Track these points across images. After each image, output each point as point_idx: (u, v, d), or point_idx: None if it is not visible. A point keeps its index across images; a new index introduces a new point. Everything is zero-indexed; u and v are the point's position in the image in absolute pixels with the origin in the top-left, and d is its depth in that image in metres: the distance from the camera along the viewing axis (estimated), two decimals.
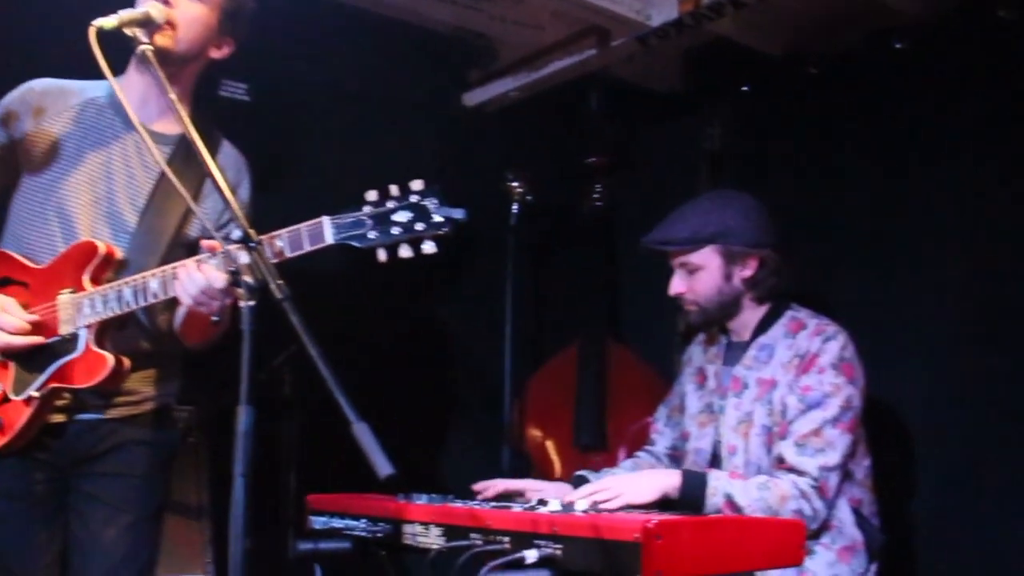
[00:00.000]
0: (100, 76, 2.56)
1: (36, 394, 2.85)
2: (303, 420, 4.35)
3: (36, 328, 2.88)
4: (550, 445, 4.87)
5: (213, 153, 3.00)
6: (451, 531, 2.70)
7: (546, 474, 4.76)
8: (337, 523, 3.13)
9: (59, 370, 2.86)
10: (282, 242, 2.58)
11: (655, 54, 4.93)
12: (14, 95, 3.05)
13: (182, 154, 3.00)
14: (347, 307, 4.47)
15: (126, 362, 2.88)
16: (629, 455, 4.01)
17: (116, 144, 3.02)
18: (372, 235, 2.49)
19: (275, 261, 2.52)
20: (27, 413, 2.86)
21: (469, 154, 5.21)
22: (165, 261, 2.86)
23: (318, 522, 3.21)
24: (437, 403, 5.14)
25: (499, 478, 3.64)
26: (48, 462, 2.98)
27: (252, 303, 2.19)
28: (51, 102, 3.03)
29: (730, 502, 3.14)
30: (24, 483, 2.96)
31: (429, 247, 2.45)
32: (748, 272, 3.51)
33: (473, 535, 2.61)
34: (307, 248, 2.57)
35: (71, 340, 2.85)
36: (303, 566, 3.15)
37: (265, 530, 3.68)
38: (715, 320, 3.61)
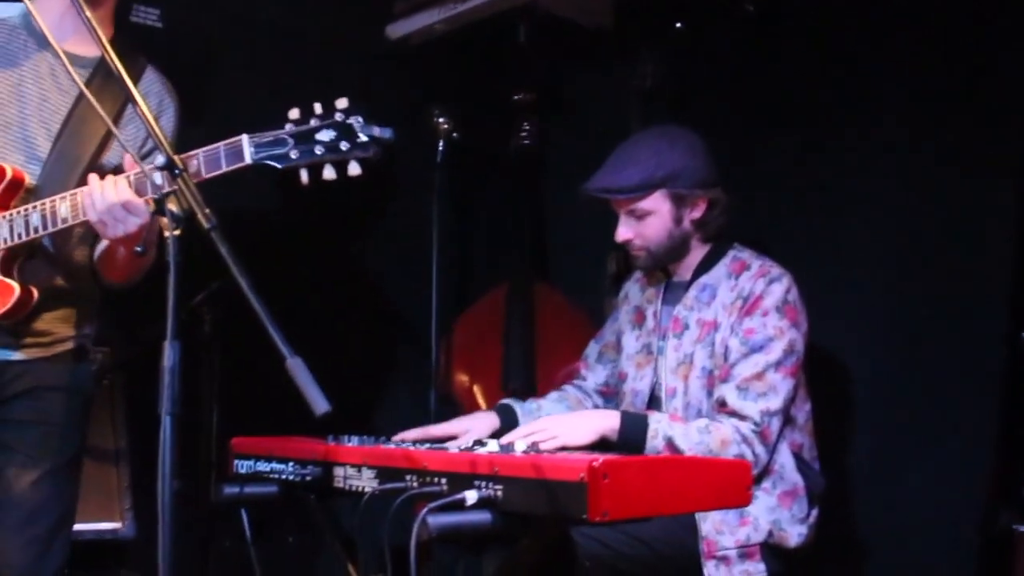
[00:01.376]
0: None
1: None
2: (224, 361, 4.20)
3: None
4: (477, 389, 4.78)
5: (135, 78, 2.87)
6: (385, 473, 2.60)
7: None
8: (263, 467, 3.02)
9: None
10: (198, 162, 2.45)
11: None
12: None
13: (101, 77, 2.84)
14: (264, 244, 4.31)
15: (35, 292, 2.73)
16: None
17: (28, 65, 2.85)
18: (294, 155, 2.40)
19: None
20: None
21: (393, 89, 5.06)
22: (76, 187, 2.72)
23: (243, 466, 3.10)
24: (362, 344, 5.02)
25: (427, 422, 3.55)
26: None
27: (178, 233, 2.05)
28: None
29: (670, 445, 3.08)
30: None
31: (355, 169, 2.38)
32: (697, 213, 3.42)
33: (408, 477, 2.52)
34: (225, 168, 2.45)
35: None
36: (228, 511, 3.04)
37: (187, 475, 3.56)
38: (663, 263, 3.53)
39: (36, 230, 2.68)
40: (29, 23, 2.86)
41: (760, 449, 3.15)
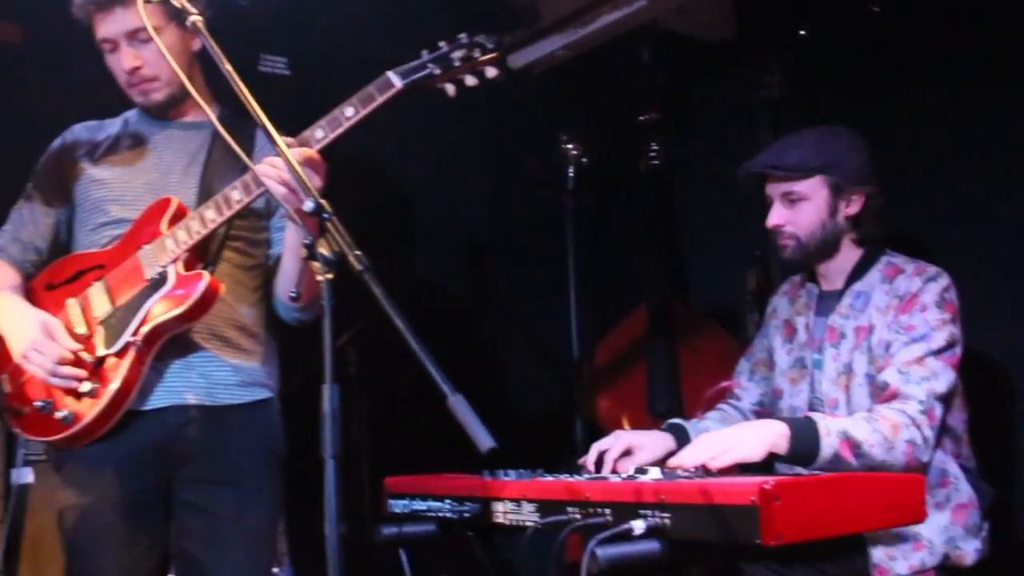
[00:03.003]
0: None
1: (132, 339, 2.75)
2: (369, 401, 4.23)
3: (120, 284, 2.83)
4: (624, 414, 4.72)
5: (254, 134, 3.02)
6: (546, 506, 2.55)
7: None
8: (419, 505, 2.99)
9: (152, 306, 2.78)
10: (351, 107, 2.72)
11: (707, 2, 4.75)
12: (55, 145, 3.11)
13: (221, 138, 2.95)
14: (404, 283, 4.35)
15: (220, 285, 2.79)
16: None
17: (158, 147, 3.04)
18: (436, 71, 2.70)
19: (343, 130, 2.74)
20: (123, 366, 2.76)
21: (519, 118, 5.06)
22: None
23: (398, 505, 3.08)
24: (503, 376, 5.00)
25: (573, 452, 3.50)
26: (149, 456, 2.88)
27: (330, 276, 2.05)
28: (89, 139, 3.09)
29: (847, 439, 2.89)
30: (125, 486, 2.86)
31: (491, 72, 2.69)
32: (853, 209, 3.30)
33: (570, 509, 2.47)
34: (379, 99, 2.71)
35: (159, 279, 2.79)
36: (387, 551, 3.03)
37: (341, 516, 3.57)
38: (811, 258, 3.38)
39: (213, 220, 2.79)
40: (141, 115, 3.10)
41: (928, 432, 2.98)
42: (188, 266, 2.82)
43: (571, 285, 4.55)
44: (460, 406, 1.95)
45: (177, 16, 2.86)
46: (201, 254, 2.85)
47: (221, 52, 2.44)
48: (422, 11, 4.67)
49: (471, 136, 5.01)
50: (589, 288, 5.00)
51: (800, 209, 3.29)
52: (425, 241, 4.88)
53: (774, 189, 3.34)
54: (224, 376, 2.97)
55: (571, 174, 4.64)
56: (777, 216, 3.33)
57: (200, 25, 2.50)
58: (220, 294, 2.82)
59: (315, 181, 2.66)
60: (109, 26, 2.90)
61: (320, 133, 2.71)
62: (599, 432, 4.62)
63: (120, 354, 2.78)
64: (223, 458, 2.94)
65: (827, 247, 3.33)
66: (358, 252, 2.07)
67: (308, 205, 2.12)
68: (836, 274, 3.38)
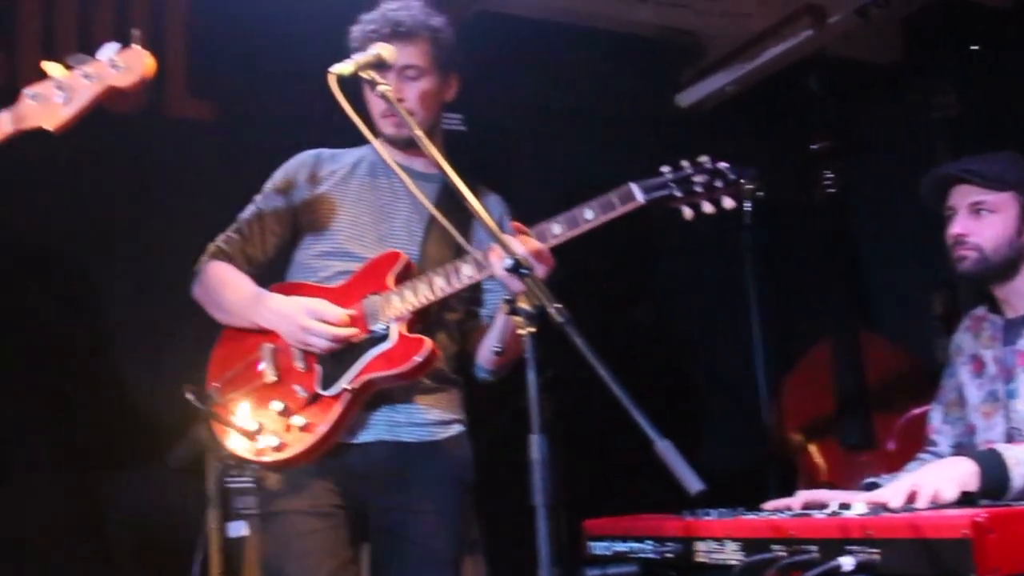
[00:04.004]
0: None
1: (348, 387, 2.87)
2: (563, 445, 4.28)
3: (352, 321, 2.94)
4: (814, 447, 4.66)
5: (475, 192, 3.07)
6: (750, 545, 2.55)
7: (813, 477, 4.55)
8: (620, 547, 3.02)
9: (372, 360, 2.89)
10: (591, 210, 2.76)
11: (874, 26, 4.70)
12: (290, 165, 3.22)
13: (450, 190, 3.06)
14: (585, 318, 4.39)
15: (438, 349, 2.90)
16: (899, 450, 3.77)
17: (389, 187, 3.15)
18: (677, 193, 2.72)
19: (579, 232, 2.77)
20: (337, 409, 2.87)
21: (690, 155, 5.07)
22: None
23: (599, 547, 3.11)
24: (689, 412, 5.01)
25: (764, 487, 3.47)
26: (348, 483, 2.99)
27: (533, 331, 2.13)
28: (325, 167, 3.21)
29: None
30: (326, 505, 2.99)
31: (728, 203, 2.69)
32: None
33: (775, 547, 2.46)
34: (619, 209, 2.75)
35: (382, 335, 2.90)
36: None
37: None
38: (990, 273, 3.29)
39: (441, 290, 2.89)
40: (375, 152, 3.16)
41: None
42: (410, 325, 2.94)
43: (753, 321, 4.53)
44: (667, 451, 1.99)
45: (443, 65, 3.12)
46: (421, 314, 2.96)
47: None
48: (587, 54, 4.77)
49: (638, 175, 5.05)
50: (771, 322, 4.97)
51: (986, 221, 3.21)
52: (603, 280, 4.93)
53: (960, 199, 3.27)
54: (423, 416, 3.07)
55: (747, 208, 4.62)
56: (961, 226, 3.26)
57: (389, 95, 2.66)
58: (437, 359, 2.93)
59: (538, 271, 2.72)
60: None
61: (557, 229, 2.79)
62: (790, 466, 4.59)
63: (335, 398, 2.90)
64: (416, 488, 3.05)
65: (1008, 266, 3.24)
66: (558, 305, 2.14)
67: (507, 263, 2.20)
68: (1018, 299, 3.29)
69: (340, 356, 2.91)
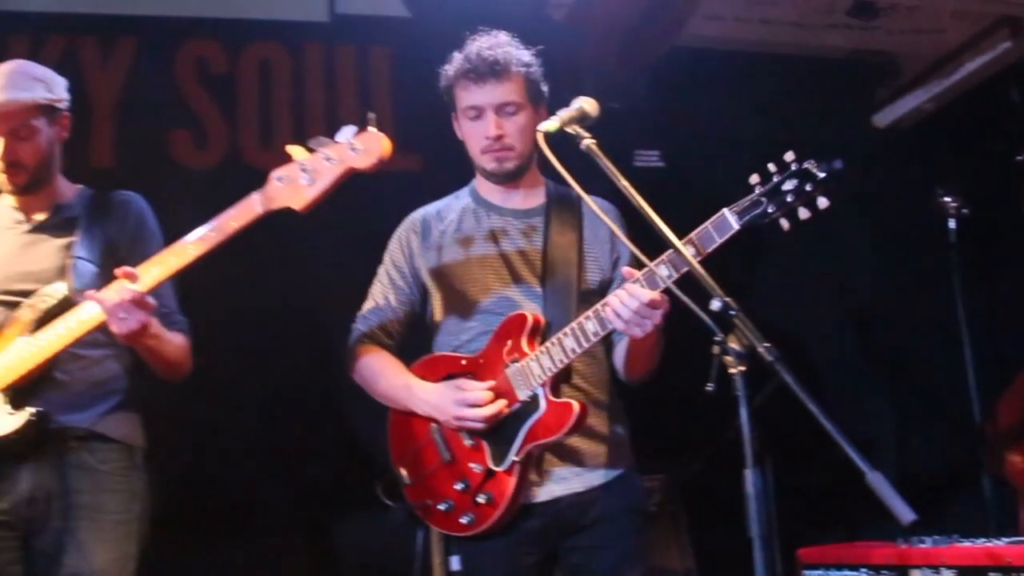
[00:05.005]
0: None
1: (517, 459, 2.98)
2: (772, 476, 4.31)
3: (497, 397, 3.01)
4: None
5: (579, 208, 3.19)
6: (967, 572, 2.57)
7: None
8: (835, 575, 3.06)
9: (530, 431, 2.97)
10: (692, 247, 2.69)
11: None
12: (401, 233, 3.29)
13: (555, 217, 3.19)
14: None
15: (587, 408, 2.99)
16: None
17: (497, 232, 3.21)
18: (770, 209, 2.63)
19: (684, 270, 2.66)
20: (512, 481, 2.98)
21: (891, 175, 5.04)
22: (577, 311, 2.98)
23: (813, 575, 3.16)
24: (899, 440, 4.95)
25: (984, 512, 3.42)
26: (535, 538, 3.08)
27: (743, 369, 2.21)
28: (434, 226, 3.27)
29: None
30: (514, 560, 3.11)
31: (823, 203, 2.58)
32: None
33: (992, 574, 2.47)
34: (719, 240, 2.69)
35: (531, 402, 2.98)
36: None
37: None
38: None
39: (573, 351, 2.93)
40: (479, 199, 3.25)
41: None
42: (554, 388, 2.98)
43: (965, 341, 4.46)
44: (878, 482, 2.04)
45: (536, 98, 3.16)
46: (561, 373, 3.04)
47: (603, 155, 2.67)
48: (785, 87, 4.80)
49: (838, 197, 5.03)
50: (983, 340, 4.87)
51: None
52: (807, 307, 4.94)
53: None
54: (594, 463, 3.15)
55: (952, 227, 4.57)
56: None
57: (595, 148, 2.73)
58: (586, 415, 2.99)
59: (648, 325, 2.78)
60: (480, 96, 3.11)
61: (665, 271, 2.72)
62: (1007, 490, 4.49)
63: (508, 472, 3.00)
64: (599, 526, 3.09)
65: None
66: (767, 344, 2.21)
67: (715, 304, 2.28)
68: None
69: (500, 429, 3.00)
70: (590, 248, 3.18)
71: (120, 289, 2.75)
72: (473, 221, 3.23)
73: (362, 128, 2.69)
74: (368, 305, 3.26)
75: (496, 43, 3.13)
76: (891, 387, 5.14)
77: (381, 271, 3.29)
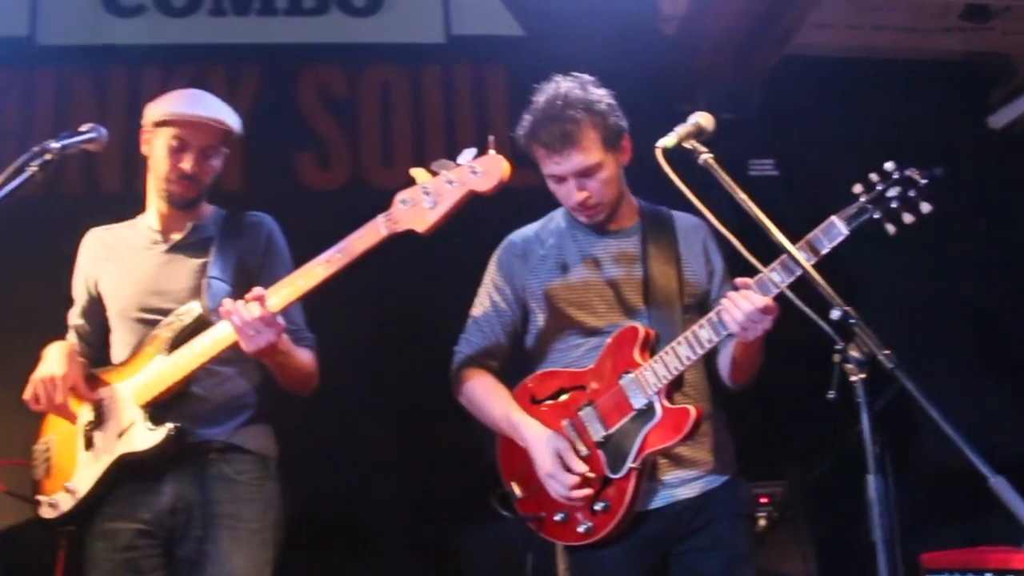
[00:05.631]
0: None
1: (634, 465, 3.03)
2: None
3: (611, 412, 3.06)
4: None
5: (672, 224, 3.27)
6: None
7: None
8: None
9: (646, 437, 3.02)
10: (804, 252, 2.74)
11: None
12: (501, 257, 3.35)
13: (650, 235, 3.24)
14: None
15: (700, 410, 3.03)
16: None
17: (598, 254, 3.25)
18: (876, 215, 2.70)
19: (796, 276, 2.73)
20: (629, 488, 3.03)
21: (1006, 176, 4.99)
22: (683, 325, 3.05)
23: None
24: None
25: None
26: (649, 545, 3.11)
27: (864, 376, 2.26)
28: (533, 249, 3.33)
29: None
30: (630, 567, 3.12)
31: (926, 207, 2.65)
32: None
33: None
34: (828, 246, 2.75)
35: (647, 410, 3.03)
36: None
37: None
38: None
39: (688, 358, 2.98)
40: (570, 220, 3.29)
41: None
42: (668, 394, 3.04)
43: None
44: (1001, 487, 2.07)
45: (613, 144, 3.15)
46: (675, 380, 3.09)
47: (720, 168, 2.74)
48: (898, 91, 4.78)
49: (953, 203, 5.00)
50: None
51: None
52: (926, 310, 4.91)
53: None
54: (703, 469, 3.17)
55: None
56: None
57: (712, 162, 2.79)
58: (702, 419, 3.04)
59: (759, 328, 2.84)
60: (558, 168, 3.13)
61: (777, 277, 2.79)
62: None
63: (624, 479, 3.05)
64: (710, 527, 3.12)
65: None
66: (887, 351, 2.26)
67: (835, 314, 2.33)
68: None
69: (617, 439, 3.05)
70: (687, 263, 3.23)
71: (251, 309, 2.87)
72: (572, 244, 3.28)
73: (482, 151, 2.77)
74: (471, 327, 3.34)
75: (565, 103, 3.08)
76: (1014, 391, 5.08)
77: (482, 293, 3.36)
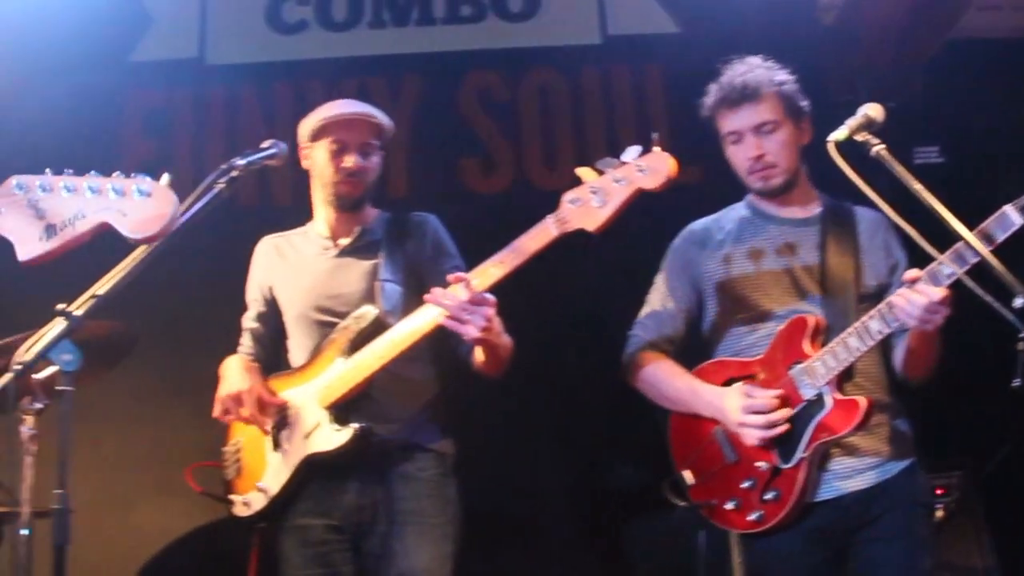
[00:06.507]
0: None
1: (804, 455, 3.03)
2: None
3: (780, 401, 3.06)
4: None
5: (853, 218, 3.26)
6: None
7: None
8: None
9: (817, 428, 3.02)
10: (977, 241, 2.69)
11: None
12: (679, 244, 3.42)
13: (831, 227, 3.24)
14: None
15: (871, 401, 3.01)
16: None
17: (777, 242, 3.27)
18: None
19: (968, 267, 2.71)
20: (800, 478, 3.04)
21: None
22: (857, 315, 3.03)
23: None
24: None
25: None
26: (822, 536, 3.10)
27: None
28: (711, 236, 3.36)
29: None
30: (803, 558, 3.10)
31: None
32: None
33: None
34: (1001, 237, 2.71)
35: (817, 400, 3.03)
36: None
37: None
38: None
39: (858, 349, 2.99)
40: (754, 208, 3.34)
41: None
42: (839, 385, 3.03)
43: None
44: None
45: (794, 113, 3.23)
46: (844, 371, 3.06)
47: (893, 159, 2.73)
48: None
49: None
50: None
51: None
52: None
53: None
54: (877, 459, 3.13)
55: None
56: None
57: (884, 154, 2.77)
58: (872, 410, 3.02)
59: (937, 319, 2.82)
60: (736, 121, 3.22)
61: (947, 270, 2.78)
62: None
63: (795, 468, 3.05)
64: (888, 516, 3.08)
65: None
66: None
67: (1019, 302, 2.30)
68: None
69: (789, 428, 3.05)
70: (867, 255, 3.23)
71: (457, 292, 2.92)
72: (752, 232, 3.32)
73: (647, 148, 2.81)
74: (646, 311, 3.39)
75: (747, 68, 3.24)
76: None
77: (659, 279, 3.41)
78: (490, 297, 2.92)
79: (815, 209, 3.27)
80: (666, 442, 3.28)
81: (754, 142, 3.20)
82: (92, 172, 2.38)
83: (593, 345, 4.31)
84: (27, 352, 2.34)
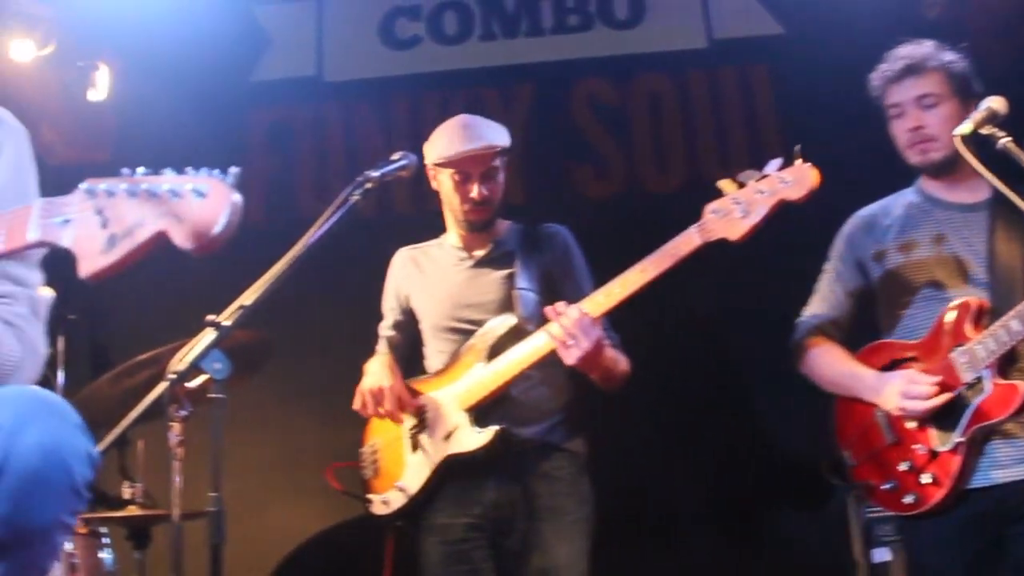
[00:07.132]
0: None
1: (962, 439, 3.04)
2: None
3: (940, 387, 3.07)
4: None
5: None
6: None
7: None
8: None
9: (975, 412, 3.02)
10: None
11: None
12: (846, 231, 3.44)
13: (1000, 211, 3.19)
14: None
15: None
16: None
17: (945, 226, 3.25)
18: None
19: None
20: (957, 461, 3.04)
21: None
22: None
23: None
24: None
25: None
26: (976, 524, 3.06)
27: None
28: (878, 222, 3.38)
29: None
30: (956, 545, 3.08)
31: None
32: None
33: None
34: None
35: (976, 384, 3.03)
36: None
37: None
38: None
39: (1019, 334, 2.97)
40: (926, 195, 3.32)
41: None
42: (1000, 369, 3.02)
43: None
44: None
45: (961, 91, 3.22)
46: (1006, 355, 3.04)
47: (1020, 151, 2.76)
48: None
49: None
50: None
51: None
52: None
53: None
54: None
55: None
56: None
57: (1011, 146, 2.79)
58: None
59: None
60: (898, 93, 3.25)
61: None
62: None
63: (953, 452, 3.05)
64: None
65: None
66: None
67: None
68: None
69: (945, 411, 3.06)
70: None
71: (570, 313, 3.07)
72: (919, 217, 3.32)
73: (787, 161, 2.89)
74: (815, 298, 3.44)
75: (914, 46, 3.26)
76: None
77: (828, 266, 3.45)
78: (598, 329, 3.07)
79: (984, 194, 3.21)
80: (830, 424, 3.33)
81: (914, 114, 3.21)
82: (168, 170, 1.88)
83: (719, 344, 4.37)
84: (180, 362, 2.47)
